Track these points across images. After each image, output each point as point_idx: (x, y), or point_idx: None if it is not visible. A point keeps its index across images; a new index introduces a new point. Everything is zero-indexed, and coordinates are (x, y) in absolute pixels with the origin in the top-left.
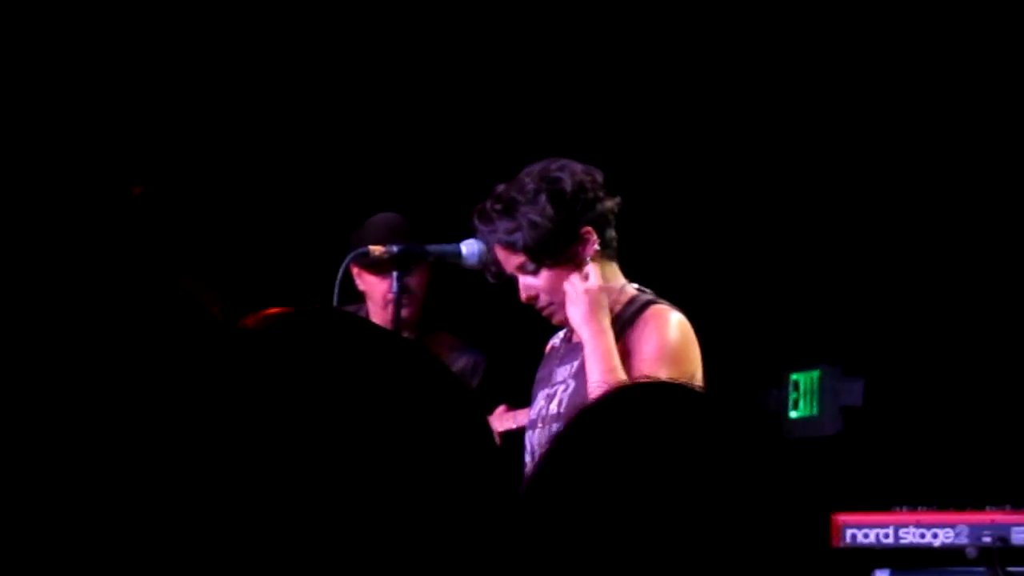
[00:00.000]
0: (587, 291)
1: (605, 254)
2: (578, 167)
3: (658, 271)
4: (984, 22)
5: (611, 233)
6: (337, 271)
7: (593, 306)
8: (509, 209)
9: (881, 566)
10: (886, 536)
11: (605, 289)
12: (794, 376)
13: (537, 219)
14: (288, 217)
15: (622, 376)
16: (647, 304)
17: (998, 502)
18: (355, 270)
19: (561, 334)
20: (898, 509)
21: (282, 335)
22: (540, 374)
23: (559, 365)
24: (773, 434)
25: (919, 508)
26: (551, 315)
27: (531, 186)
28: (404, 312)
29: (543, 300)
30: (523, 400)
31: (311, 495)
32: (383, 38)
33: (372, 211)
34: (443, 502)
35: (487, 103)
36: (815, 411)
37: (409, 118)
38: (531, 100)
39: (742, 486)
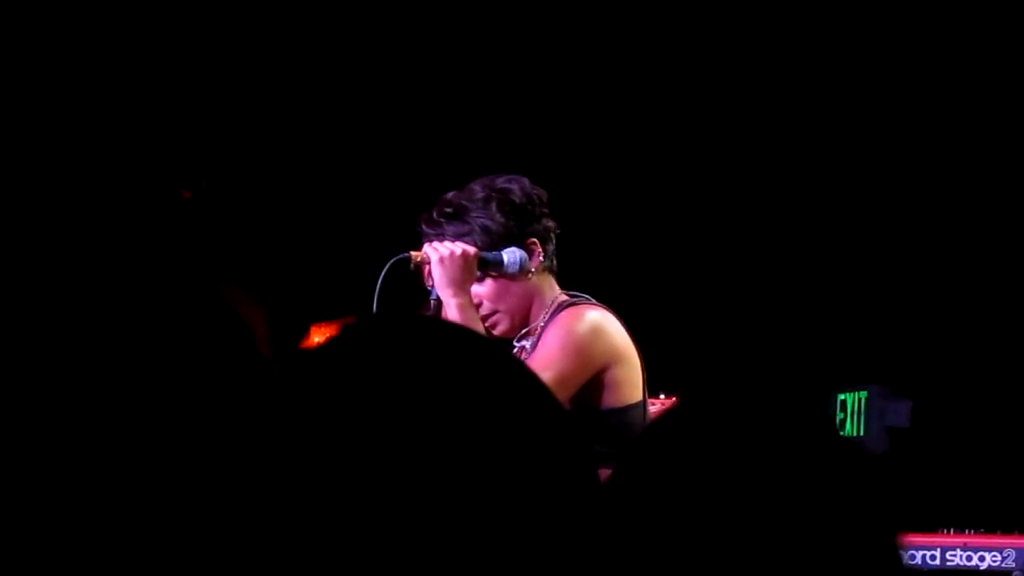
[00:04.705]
0: (464, 254)
1: (546, 267)
2: (526, 181)
3: (706, 293)
4: (983, 24)
5: (551, 248)
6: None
7: (463, 272)
8: (459, 213)
9: None
10: (933, 558)
11: (471, 263)
12: (841, 396)
13: (489, 223)
14: (333, 224)
15: None
16: (565, 306)
17: None
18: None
19: (516, 344)
20: (945, 531)
21: (355, 345)
22: None
23: None
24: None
25: (966, 531)
26: (494, 324)
27: (481, 193)
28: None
29: (486, 308)
30: None
31: (408, 506)
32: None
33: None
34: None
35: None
36: (862, 431)
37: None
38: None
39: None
